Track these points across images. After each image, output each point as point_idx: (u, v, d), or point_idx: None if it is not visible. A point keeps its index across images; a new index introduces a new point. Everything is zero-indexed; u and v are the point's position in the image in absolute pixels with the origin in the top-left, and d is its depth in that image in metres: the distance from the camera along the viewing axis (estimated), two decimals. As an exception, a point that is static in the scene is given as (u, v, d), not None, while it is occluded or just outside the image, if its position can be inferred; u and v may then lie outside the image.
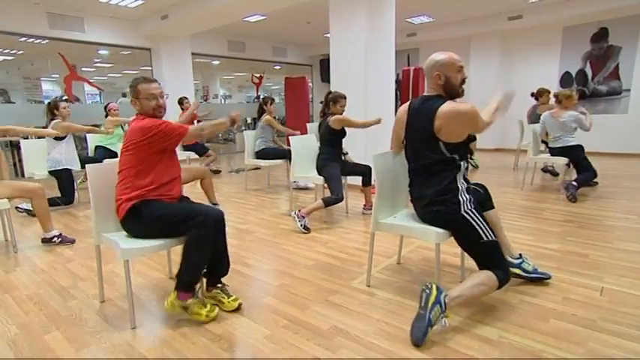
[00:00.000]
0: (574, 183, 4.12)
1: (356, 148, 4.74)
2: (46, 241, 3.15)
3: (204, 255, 1.93)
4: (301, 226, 3.34)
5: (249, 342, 1.77)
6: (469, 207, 1.92)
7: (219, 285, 2.09)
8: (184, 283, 1.92)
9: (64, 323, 1.97)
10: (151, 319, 2.00)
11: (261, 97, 5.25)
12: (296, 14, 7.25)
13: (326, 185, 3.58)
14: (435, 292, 1.74)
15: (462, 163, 1.96)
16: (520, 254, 2.29)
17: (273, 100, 5.14)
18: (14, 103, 8.48)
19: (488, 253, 1.92)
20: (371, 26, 4.82)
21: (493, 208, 2.24)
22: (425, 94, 2.00)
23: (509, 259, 2.22)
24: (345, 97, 3.67)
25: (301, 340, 1.76)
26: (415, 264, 2.61)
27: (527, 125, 5.79)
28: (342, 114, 3.64)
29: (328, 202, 3.42)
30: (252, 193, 5.06)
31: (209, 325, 1.90)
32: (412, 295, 2.15)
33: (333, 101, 3.65)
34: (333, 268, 2.58)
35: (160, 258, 2.78)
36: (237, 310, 2.03)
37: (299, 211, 3.41)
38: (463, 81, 1.93)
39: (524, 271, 2.24)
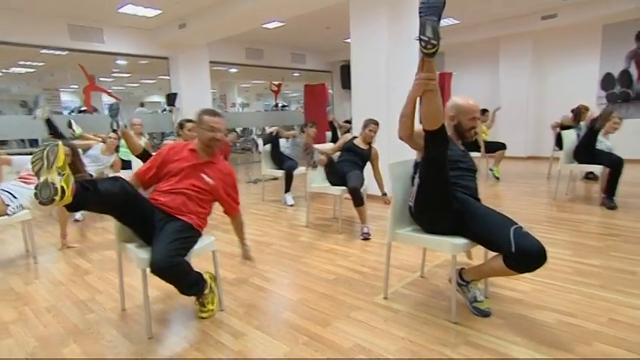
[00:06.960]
0: (603, 195, 4.06)
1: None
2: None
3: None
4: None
5: (267, 359, 1.70)
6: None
7: None
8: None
9: (81, 336, 1.95)
10: (167, 334, 1.96)
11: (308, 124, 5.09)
12: (315, 20, 7.20)
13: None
14: None
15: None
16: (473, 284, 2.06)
17: (314, 124, 5.07)
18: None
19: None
20: (393, 30, 4.71)
21: None
22: None
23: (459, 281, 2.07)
24: (375, 123, 3.75)
25: (322, 359, 1.68)
26: (442, 278, 2.48)
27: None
28: (372, 137, 3.78)
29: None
30: (270, 204, 5.00)
31: (226, 341, 1.86)
32: (438, 311, 2.05)
33: (364, 126, 3.76)
34: (354, 282, 2.49)
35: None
36: None
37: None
38: (472, 129, 2.08)
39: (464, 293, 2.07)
